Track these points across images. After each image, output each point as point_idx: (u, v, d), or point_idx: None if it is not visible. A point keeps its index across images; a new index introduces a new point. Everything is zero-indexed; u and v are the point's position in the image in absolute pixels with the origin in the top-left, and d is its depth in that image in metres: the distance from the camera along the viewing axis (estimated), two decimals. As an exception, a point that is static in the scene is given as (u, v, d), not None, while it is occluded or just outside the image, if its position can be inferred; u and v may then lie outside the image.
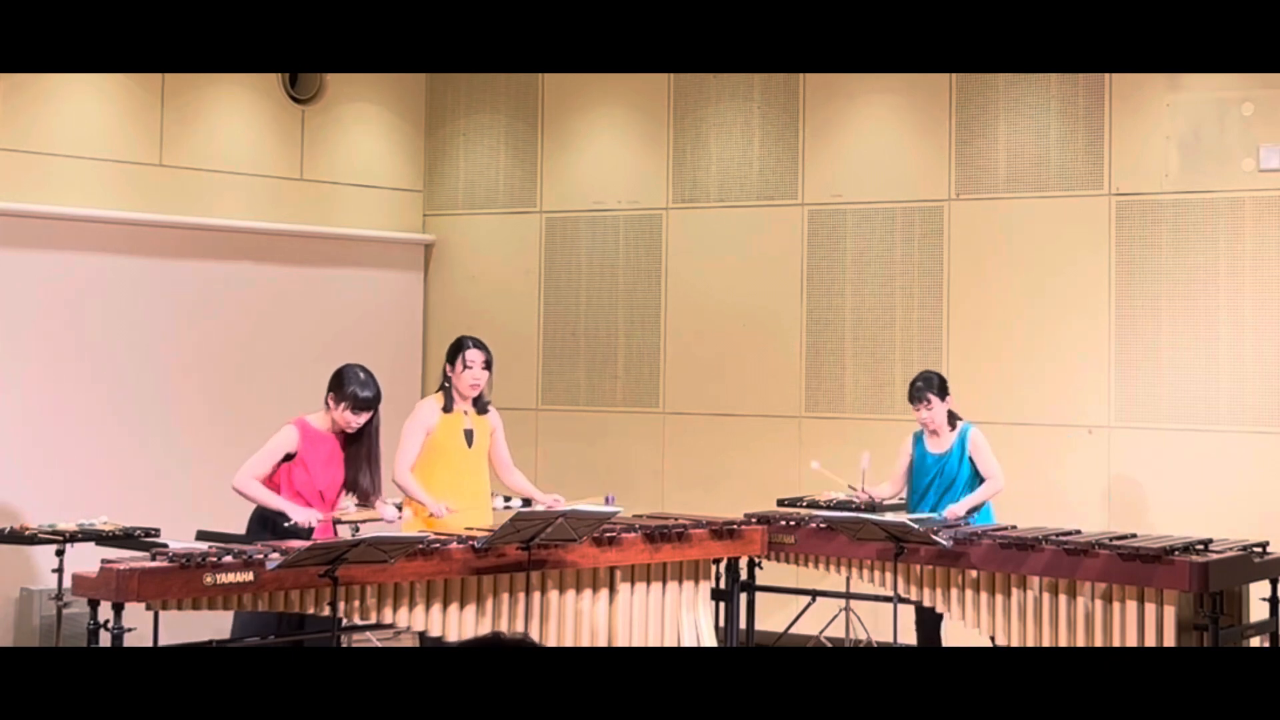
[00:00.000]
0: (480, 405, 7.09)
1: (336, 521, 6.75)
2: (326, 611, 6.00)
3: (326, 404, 6.54)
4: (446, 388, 7.03)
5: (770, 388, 9.40)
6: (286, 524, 6.36)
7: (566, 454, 9.73)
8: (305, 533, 6.38)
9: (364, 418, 6.51)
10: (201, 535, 7.51)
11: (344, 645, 7.52)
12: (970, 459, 7.40)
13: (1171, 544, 6.50)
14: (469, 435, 7.02)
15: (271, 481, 6.46)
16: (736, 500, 8.57)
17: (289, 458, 6.46)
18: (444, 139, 10.36)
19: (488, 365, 7.04)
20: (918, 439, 7.54)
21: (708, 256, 9.63)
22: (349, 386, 6.47)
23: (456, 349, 7.05)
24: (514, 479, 7.20)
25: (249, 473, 6.42)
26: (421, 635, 6.52)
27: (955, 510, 7.26)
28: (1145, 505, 8.32)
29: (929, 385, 7.42)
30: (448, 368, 7.05)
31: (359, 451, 6.57)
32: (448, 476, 6.94)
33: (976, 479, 7.39)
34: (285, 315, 9.48)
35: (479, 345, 7.06)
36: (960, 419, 7.50)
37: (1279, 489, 8.12)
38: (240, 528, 6.61)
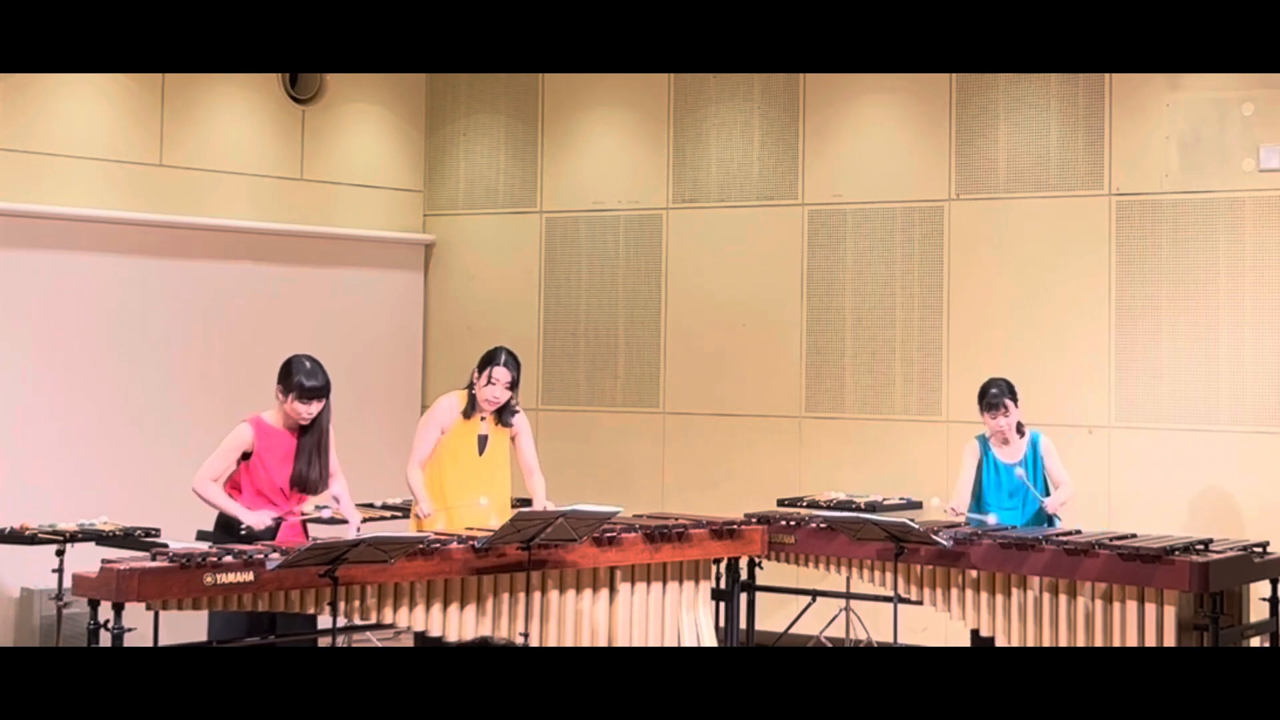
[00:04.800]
0: (504, 417, 7.03)
1: (306, 521, 6.68)
2: (327, 612, 5.99)
3: (277, 397, 6.49)
4: (472, 393, 7.00)
5: (770, 388, 9.39)
6: (242, 530, 6.30)
7: (566, 454, 9.73)
8: (269, 535, 6.35)
9: (314, 407, 6.43)
10: (201, 535, 7.48)
11: (338, 645, 7.51)
12: (1043, 464, 7.32)
13: (1171, 544, 6.50)
14: (482, 441, 7.00)
15: (234, 481, 6.44)
16: (736, 500, 8.57)
17: (246, 456, 6.44)
18: (444, 139, 10.36)
19: (512, 385, 6.97)
20: (985, 446, 7.37)
21: (708, 256, 9.63)
22: (295, 376, 6.41)
23: (487, 360, 6.97)
24: (531, 483, 7.14)
25: (206, 474, 6.38)
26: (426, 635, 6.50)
27: (1052, 504, 7.20)
28: (1145, 505, 8.32)
29: (1004, 392, 7.24)
30: (475, 374, 7.00)
31: (307, 443, 6.49)
32: (454, 481, 6.94)
33: (1047, 484, 7.32)
34: (285, 315, 9.47)
35: (510, 363, 6.97)
36: (1025, 426, 7.33)
37: (1279, 489, 8.12)
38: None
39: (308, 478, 6.46)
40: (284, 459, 6.46)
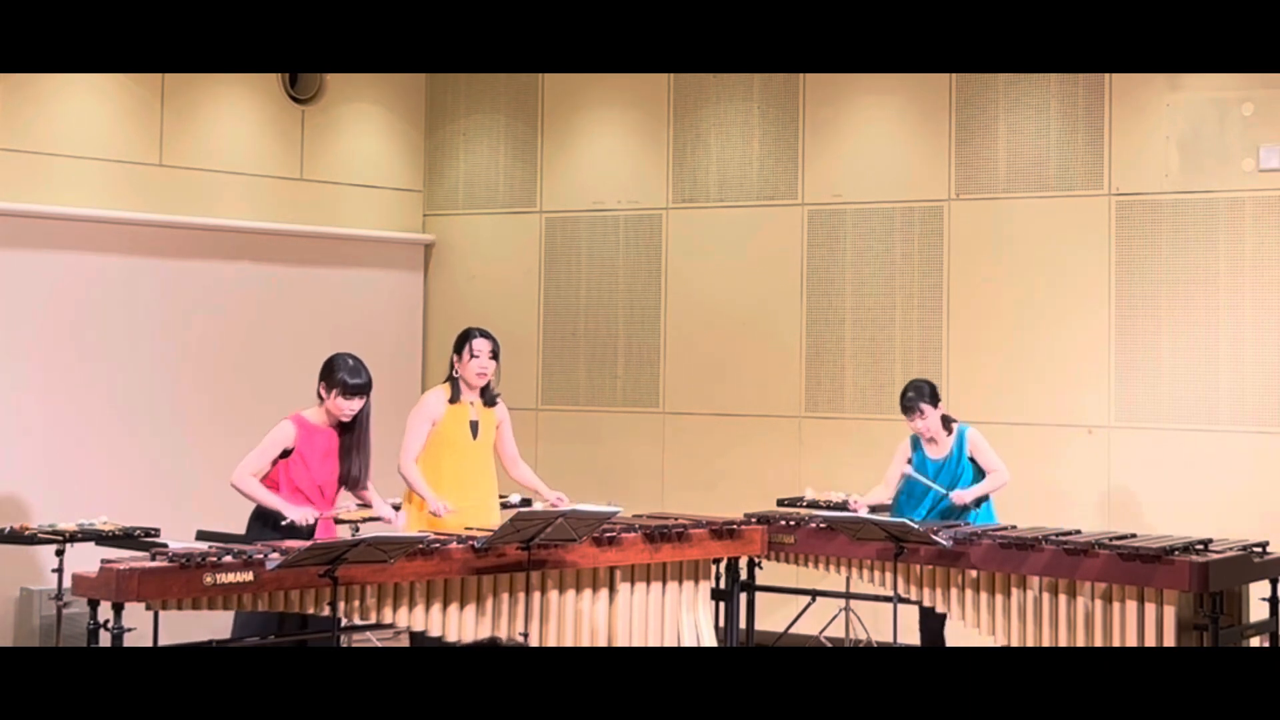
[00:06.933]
0: (488, 398, 7.10)
1: (337, 520, 6.75)
2: (326, 611, 5.99)
3: (319, 395, 6.53)
4: (454, 379, 7.04)
5: (770, 388, 9.39)
6: (283, 523, 6.35)
7: (566, 454, 9.73)
8: (306, 531, 6.38)
9: (357, 403, 6.49)
10: (201, 535, 7.50)
11: (344, 645, 7.51)
12: (971, 459, 7.38)
13: (1171, 544, 6.50)
14: (474, 427, 7.03)
15: (270, 478, 6.44)
16: (736, 500, 8.57)
17: (286, 454, 6.45)
18: (444, 139, 10.36)
19: (494, 355, 7.07)
20: (915, 444, 7.47)
21: (708, 256, 9.63)
22: (339, 373, 6.47)
23: (463, 339, 7.06)
24: (520, 473, 7.19)
25: (247, 469, 6.40)
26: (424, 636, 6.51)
27: (963, 496, 7.24)
28: (1145, 505, 8.32)
29: (920, 395, 7.33)
30: (454, 359, 7.06)
31: (351, 441, 6.56)
32: (452, 469, 6.96)
33: (979, 478, 7.36)
34: (285, 315, 9.48)
35: (486, 335, 7.08)
36: (955, 421, 7.45)
37: (1279, 489, 8.12)
38: (240, 528, 6.60)
39: (352, 475, 6.54)
40: (325, 457, 6.51)
